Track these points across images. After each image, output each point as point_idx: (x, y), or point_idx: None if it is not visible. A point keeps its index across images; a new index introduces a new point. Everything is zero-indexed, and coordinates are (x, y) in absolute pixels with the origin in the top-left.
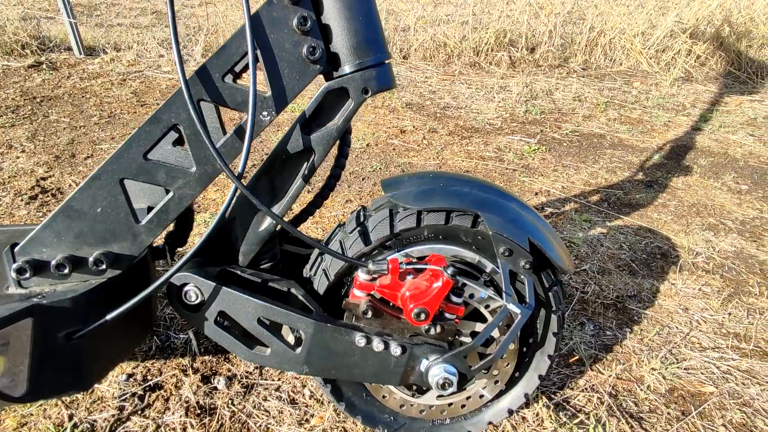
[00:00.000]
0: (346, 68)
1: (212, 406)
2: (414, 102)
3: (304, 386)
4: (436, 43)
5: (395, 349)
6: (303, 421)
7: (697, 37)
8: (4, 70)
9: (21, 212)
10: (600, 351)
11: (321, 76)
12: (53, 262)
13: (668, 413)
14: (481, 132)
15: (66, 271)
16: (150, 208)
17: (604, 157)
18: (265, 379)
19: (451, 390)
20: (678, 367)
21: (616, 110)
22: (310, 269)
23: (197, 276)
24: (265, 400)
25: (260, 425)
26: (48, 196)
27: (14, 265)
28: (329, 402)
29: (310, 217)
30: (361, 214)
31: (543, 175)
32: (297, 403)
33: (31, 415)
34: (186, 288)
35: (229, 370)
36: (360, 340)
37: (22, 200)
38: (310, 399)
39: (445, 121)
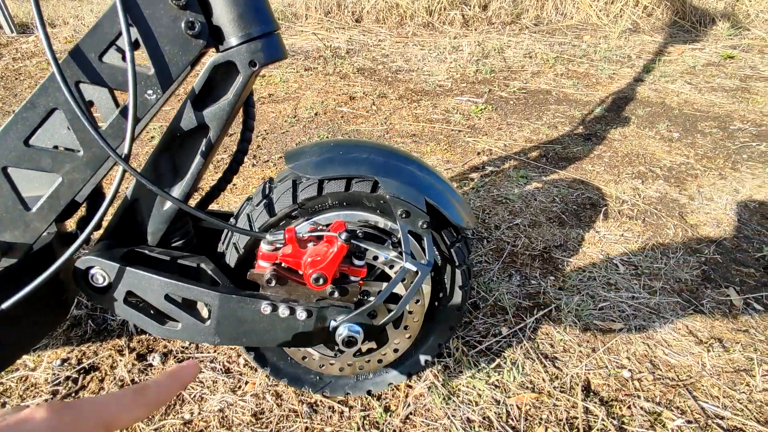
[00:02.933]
0: (232, 41)
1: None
2: (366, 67)
3: (239, 356)
4: (388, 5)
5: (301, 314)
6: (236, 389)
7: None
8: None
9: None
10: (524, 299)
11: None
12: None
13: (580, 351)
14: (430, 95)
15: None
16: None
17: (548, 113)
18: (201, 353)
19: (355, 347)
20: (593, 309)
21: (564, 65)
22: (222, 243)
23: (101, 259)
24: (200, 372)
25: (194, 396)
26: None
27: None
28: None
29: (222, 193)
30: (267, 186)
31: (487, 135)
32: (231, 372)
33: None
34: (92, 271)
35: (165, 347)
36: (266, 307)
37: None
38: (244, 367)
39: (395, 86)
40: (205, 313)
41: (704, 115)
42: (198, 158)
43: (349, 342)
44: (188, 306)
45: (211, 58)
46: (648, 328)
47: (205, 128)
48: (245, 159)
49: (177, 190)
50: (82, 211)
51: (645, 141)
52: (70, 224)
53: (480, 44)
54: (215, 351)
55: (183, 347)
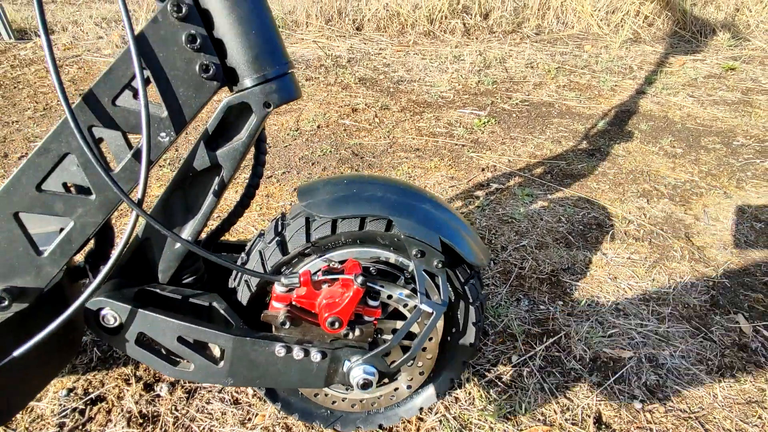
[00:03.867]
0: (246, 82)
1: (155, 413)
2: (367, 77)
3: (247, 387)
4: (389, 13)
5: (315, 356)
6: (246, 421)
7: None
8: None
9: None
10: (533, 326)
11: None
12: None
13: (590, 381)
14: (433, 106)
15: None
16: (63, 230)
17: (551, 126)
18: (207, 383)
19: (372, 389)
20: (602, 336)
21: (566, 76)
22: (234, 280)
23: (112, 300)
24: (208, 403)
25: (203, 428)
26: None
27: None
28: None
29: (233, 227)
30: (279, 223)
31: (491, 150)
32: (240, 404)
33: None
34: (103, 312)
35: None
36: (280, 350)
37: None
38: (253, 398)
39: (397, 97)
40: (217, 353)
41: (707, 129)
42: (210, 198)
43: (365, 385)
44: (201, 347)
45: (226, 98)
46: (658, 357)
47: (218, 168)
48: (247, 175)
49: (188, 230)
50: (90, 244)
51: (649, 157)
52: (79, 257)
53: (481, 54)
54: None
55: None
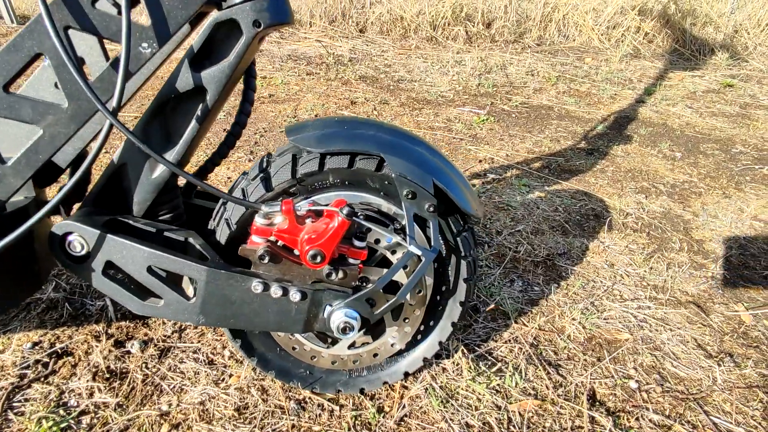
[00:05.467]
0: None
1: (124, 370)
2: (368, 75)
3: (224, 347)
4: (393, 17)
5: (294, 295)
6: (219, 381)
7: (646, 15)
8: None
9: None
10: (526, 305)
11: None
12: None
13: (584, 360)
14: (432, 104)
15: None
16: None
17: (550, 127)
18: (184, 342)
19: (352, 334)
20: (598, 318)
21: (566, 84)
22: (213, 220)
23: (80, 224)
24: (182, 362)
25: (174, 386)
26: None
27: None
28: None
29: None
30: (265, 160)
31: (489, 144)
32: (215, 364)
33: None
34: (69, 238)
35: (146, 335)
36: (257, 286)
37: None
38: (229, 359)
39: (397, 94)
40: (190, 291)
41: (706, 137)
42: (193, 123)
43: (345, 329)
44: (172, 281)
45: (213, 15)
46: (655, 340)
47: (203, 91)
48: (241, 155)
49: (169, 157)
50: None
51: (648, 158)
52: (52, 192)
53: (483, 60)
54: (199, 341)
55: (165, 335)
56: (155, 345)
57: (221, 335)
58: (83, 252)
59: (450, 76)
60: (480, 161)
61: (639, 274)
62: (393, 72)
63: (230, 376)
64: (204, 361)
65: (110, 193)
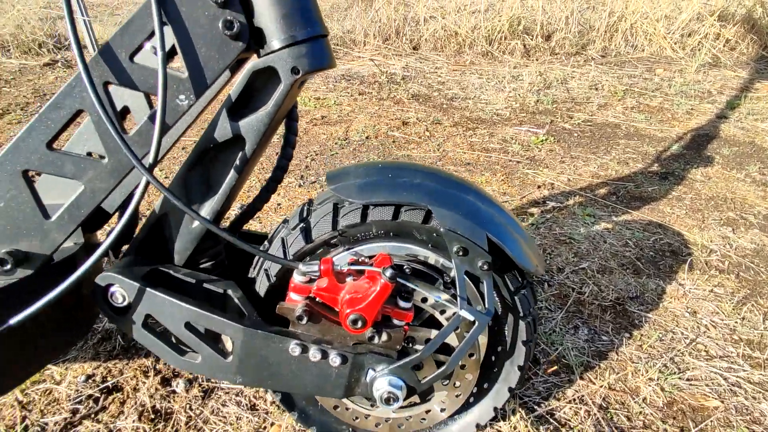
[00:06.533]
0: (274, 44)
1: (168, 410)
2: (420, 93)
3: (266, 391)
4: (447, 33)
5: (334, 359)
6: (260, 429)
7: (727, 20)
8: (21, 69)
9: None
10: (593, 358)
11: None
12: None
13: (664, 430)
14: (487, 123)
15: None
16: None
17: (618, 147)
18: (226, 384)
19: (396, 404)
20: (679, 378)
21: (634, 98)
22: (253, 269)
23: (121, 277)
24: (224, 405)
25: None
26: None
27: None
28: None
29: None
30: (306, 208)
31: (549, 167)
32: (257, 410)
33: None
34: (111, 289)
35: (191, 374)
36: (294, 348)
37: None
38: (271, 405)
39: (450, 113)
40: (229, 347)
41: None
42: (231, 174)
43: (389, 399)
44: (210, 337)
45: (251, 62)
46: (752, 410)
47: (241, 141)
48: (292, 179)
49: (207, 208)
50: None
51: (733, 184)
52: (101, 235)
53: (542, 74)
54: None
55: None
56: (199, 385)
57: None
58: (125, 304)
59: (506, 93)
60: (539, 187)
61: (728, 326)
62: (446, 89)
63: (271, 424)
64: (246, 405)
65: (152, 242)
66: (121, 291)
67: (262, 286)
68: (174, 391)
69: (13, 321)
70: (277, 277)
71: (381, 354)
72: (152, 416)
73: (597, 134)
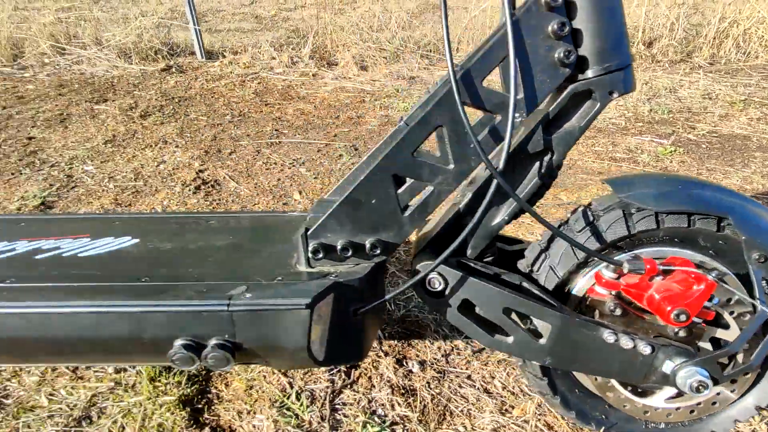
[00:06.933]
0: (594, 70)
1: (411, 387)
2: None
3: (493, 377)
4: None
5: (644, 348)
6: (504, 411)
7: None
8: (142, 74)
9: (192, 200)
10: None
11: None
12: (338, 246)
13: None
14: (605, 132)
15: (348, 254)
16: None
17: (755, 160)
18: (454, 367)
19: (705, 393)
20: None
21: (757, 109)
22: (532, 265)
23: (444, 265)
24: (460, 386)
25: (461, 410)
26: (209, 187)
27: (310, 247)
28: (524, 395)
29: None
30: (588, 213)
31: None
32: (491, 393)
33: (254, 380)
34: (430, 276)
35: (417, 356)
36: (609, 336)
37: (189, 190)
38: (503, 390)
39: None
40: (540, 330)
41: None
42: (535, 180)
43: (699, 388)
44: (521, 321)
45: (572, 85)
46: None
47: (548, 152)
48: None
49: (505, 209)
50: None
51: None
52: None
53: (647, 83)
54: (467, 368)
55: (435, 358)
56: (431, 366)
57: (486, 364)
58: (440, 288)
59: (615, 102)
60: None
61: None
62: None
63: (512, 407)
64: (480, 388)
65: (450, 237)
66: (439, 278)
67: (548, 281)
68: (411, 371)
69: (389, 295)
70: (565, 275)
71: (681, 347)
72: (402, 391)
73: (727, 146)
